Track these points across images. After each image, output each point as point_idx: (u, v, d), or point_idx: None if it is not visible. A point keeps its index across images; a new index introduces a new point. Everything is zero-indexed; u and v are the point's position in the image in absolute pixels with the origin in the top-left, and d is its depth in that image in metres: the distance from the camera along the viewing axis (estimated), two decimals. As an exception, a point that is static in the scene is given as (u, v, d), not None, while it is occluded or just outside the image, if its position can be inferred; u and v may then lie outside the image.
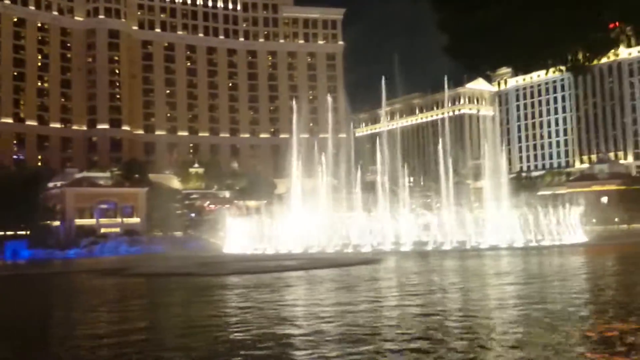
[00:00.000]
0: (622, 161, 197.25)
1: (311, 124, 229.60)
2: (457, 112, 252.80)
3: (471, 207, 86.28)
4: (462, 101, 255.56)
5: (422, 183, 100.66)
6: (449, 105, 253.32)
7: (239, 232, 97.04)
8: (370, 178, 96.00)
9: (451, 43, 21.76)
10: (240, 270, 57.72)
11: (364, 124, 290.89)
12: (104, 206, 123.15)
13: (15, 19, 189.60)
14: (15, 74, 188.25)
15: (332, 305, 31.10)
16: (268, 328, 24.83)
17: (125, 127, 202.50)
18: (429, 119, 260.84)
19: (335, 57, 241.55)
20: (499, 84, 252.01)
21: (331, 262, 62.41)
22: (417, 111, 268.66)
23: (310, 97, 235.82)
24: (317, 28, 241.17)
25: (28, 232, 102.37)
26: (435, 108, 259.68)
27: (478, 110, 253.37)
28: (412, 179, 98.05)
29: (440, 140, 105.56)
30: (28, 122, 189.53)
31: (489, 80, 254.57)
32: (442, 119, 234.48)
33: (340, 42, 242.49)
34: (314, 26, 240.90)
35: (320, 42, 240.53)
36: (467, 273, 48.43)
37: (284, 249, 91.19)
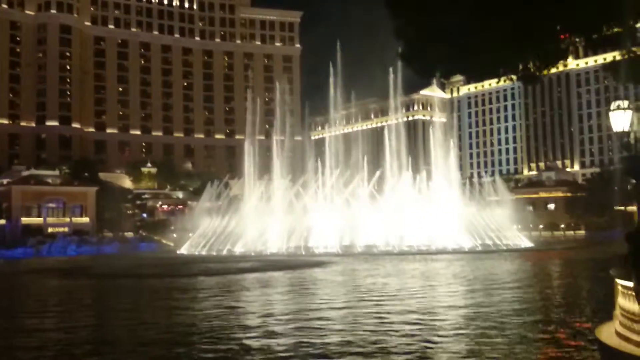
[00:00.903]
0: (568, 169, 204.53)
1: (267, 126, 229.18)
2: (411, 118, 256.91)
3: (422, 210, 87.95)
4: (416, 107, 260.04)
5: (375, 187, 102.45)
6: (404, 111, 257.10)
7: (192, 233, 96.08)
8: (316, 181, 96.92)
9: (406, 50, 22.26)
10: (194, 272, 57.23)
11: (320, 127, 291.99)
12: (51, 205, 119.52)
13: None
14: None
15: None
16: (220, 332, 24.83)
17: (76, 125, 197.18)
18: (384, 123, 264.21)
19: (292, 59, 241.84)
20: (451, 91, 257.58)
21: (285, 265, 62.62)
22: (372, 116, 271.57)
23: (267, 99, 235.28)
24: (275, 30, 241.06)
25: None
26: (389, 113, 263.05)
27: (431, 117, 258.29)
28: (366, 182, 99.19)
29: (390, 145, 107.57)
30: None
31: (443, 87, 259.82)
32: (395, 124, 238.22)
33: (298, 45, 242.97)
34: (271, 28, 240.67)
35: (278, 44, 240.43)
36: (407, 276, 49.40)
37: (237, 250, 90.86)
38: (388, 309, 29.25)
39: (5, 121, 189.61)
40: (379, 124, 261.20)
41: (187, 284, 47.40)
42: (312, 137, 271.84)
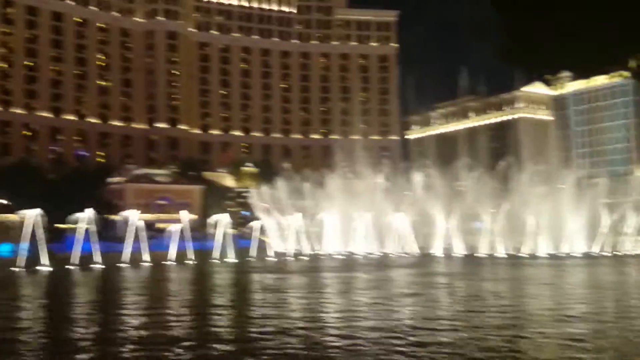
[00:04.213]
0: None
1: (363, 126, 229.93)
2: (512, 116, 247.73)
3: (531, 213, 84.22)
4: (518, 105, 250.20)
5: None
6: (504, 109, 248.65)
7: (291, 232, 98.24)
8: (424, 180, 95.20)
9: (512, 46, 21.87)
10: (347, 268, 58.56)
11: (417, 126, 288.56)
12: (161, 202, 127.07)
13: (78, 20, 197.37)
14: (78, 72, 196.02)
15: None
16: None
17: (183, 127, 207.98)
18: (484, 122, 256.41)
19: (388, 59, 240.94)
20: (557, 88, 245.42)
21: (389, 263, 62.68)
22: (471, 115, 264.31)
23: (362, 99, 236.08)
24: (371, 30, 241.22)
25: (91, 226, 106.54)
26: (489, 111, 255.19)
27: (535, 115, 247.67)
28: (465, 183, 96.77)
29: (495, 144, 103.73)
30: (90, 120, 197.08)
31: (547, 84, 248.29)
32: (497, 123, 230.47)
33: (394, 44, 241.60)
34: (367, 28, 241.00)
35: (373, 44, 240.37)
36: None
37: (334, 250, 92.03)
38: None
39: (119, 123, 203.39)
40: (479, 123, 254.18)
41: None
42: (409, 137, 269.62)
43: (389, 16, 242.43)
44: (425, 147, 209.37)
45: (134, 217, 75.69)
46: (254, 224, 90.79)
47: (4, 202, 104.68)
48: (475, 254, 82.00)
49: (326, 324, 27.51)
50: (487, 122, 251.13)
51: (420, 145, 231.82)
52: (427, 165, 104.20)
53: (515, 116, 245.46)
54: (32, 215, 70.64)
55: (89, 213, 71.81)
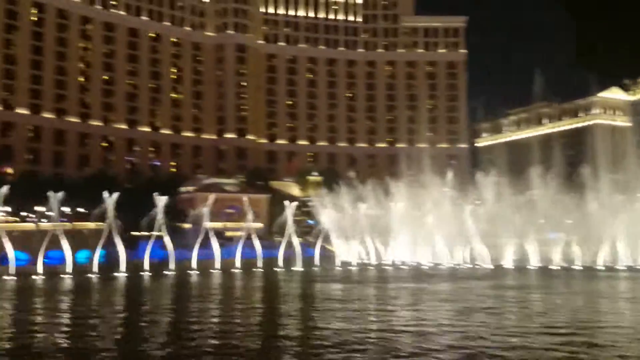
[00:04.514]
0: None
1: (430, 134, 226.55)
2: (588, 122, 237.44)
3: (608, 223, 79.83)
4: (594, 111, 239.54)
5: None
6: (579, 115, 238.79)
7: (356, 241, 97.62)
8: (495, 189, 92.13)
9: (589, 50, 20.59)
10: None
11: (486, 134, 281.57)
12: (230, 211, 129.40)
13: (152, 35, 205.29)
14: (152, 86, 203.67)
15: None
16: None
17: (250, 137, 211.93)
18: (558, 129, 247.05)
19: (456, 65, 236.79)
20: (635, 93, 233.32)
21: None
22: (544, 121, 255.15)
23: (430, 107, 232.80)
24: (438, 37, 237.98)
25: (164, 233, 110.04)
26: (564, 118, 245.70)
27: (612, 121, 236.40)
28: (538, 192, 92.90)
29: (570, 152, 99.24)
30: (163, 131, 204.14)
31: (625, 89, 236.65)
32: (572, 129, 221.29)
33: (462, 50, 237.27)
34: (435, 35, 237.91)
35: (441, 50, 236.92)
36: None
37: (401, 259, 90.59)
38: None
39: (190, 134, 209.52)
40: (553, 129, 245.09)
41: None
42: (478, 144, 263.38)
43: (457, 22, 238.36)
44: (495, 154, 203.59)
45: (206, 222, 77.46)
46: (319, 233, 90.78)
47: (83, 210, 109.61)
48: (549, 266, 78.58)
49: (398, 338, 26.82)
50: (561, 128, 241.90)
51: (491, 153, 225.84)
52: (498, 174, 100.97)
53: (591, 122, 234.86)
54: (108, 224, 73.39)
55: (162, 222, 73.95)
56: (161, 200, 76.45)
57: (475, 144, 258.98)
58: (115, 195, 74.26)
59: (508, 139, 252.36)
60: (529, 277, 64.97)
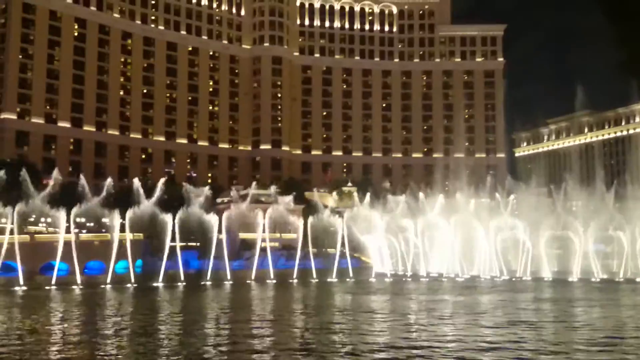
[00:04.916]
0: None
1: (467, 143, 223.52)
2: (631, 131, 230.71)
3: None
4: (636, 119, 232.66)
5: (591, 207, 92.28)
6: (621, 124, 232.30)
7: (391, 253, 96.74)
8: (535, 200, 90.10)
9: (632, 57, 19.97)
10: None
11: (525, 143, 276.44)
12: (267, 222, 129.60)
13: (190, 48, 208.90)
14: (190, 98, 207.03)
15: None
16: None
17: (285, 148, 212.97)
18: (598, 138, 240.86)
19: (494, 74, 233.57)
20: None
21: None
22: (585, 130, 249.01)
23: (467, 116, 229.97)
24: (475, 45, 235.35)
25: (198, 244, 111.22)
26: (605, 127, 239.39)
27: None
28: (579, 202, 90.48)
29: (612, 161, 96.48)
30: (200, 143, 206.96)
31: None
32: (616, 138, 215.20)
33: (500, 59, 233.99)
34: (472, 44, 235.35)
35: (479, 59, 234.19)
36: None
37: (437, 270, 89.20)
38: None
39: (226, 145, 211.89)
40: (593, 139, 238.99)
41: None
42: (517, 154, 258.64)
43: (495, 30, 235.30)
44: (535, 164, 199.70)
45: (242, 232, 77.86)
46: (354, 244, 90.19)
47: (123, 221, 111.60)
48: (591, 278, 76.16)
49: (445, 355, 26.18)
50: (602, 137, 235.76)
51: (530, 163, 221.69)
52: (538, 184, 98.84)
53: (633, 131, 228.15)
54: (145, 235, 74.40)
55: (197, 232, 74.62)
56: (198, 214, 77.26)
57: (514, 154, 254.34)
58: (152, 206, 75.34)
59: (547, 149, 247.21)
60: (570, 290, 63.01)
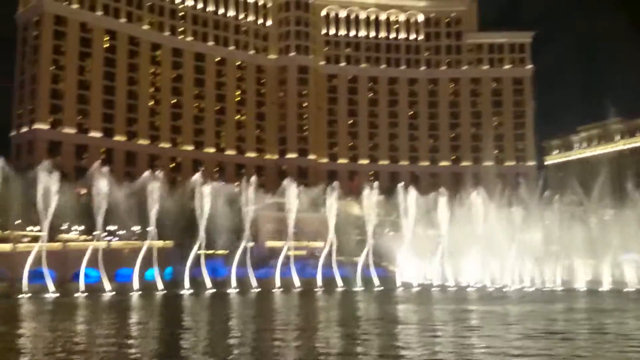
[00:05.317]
0: None
1: (496, 151, 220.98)
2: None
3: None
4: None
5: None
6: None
7: (418, 261, 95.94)
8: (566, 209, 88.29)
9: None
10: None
11: (555, 151, 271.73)
12: (292, 230, 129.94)
13: (218, 59, 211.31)
14: (217, 108, 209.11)
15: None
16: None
17: (311, 156, 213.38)
18: (630, 145, 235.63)
19: (522, 81, 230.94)
20: None
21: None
22: (617, 137, 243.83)
23: (495, 124, 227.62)
24: (503, 53, 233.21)
25: (226, 252, 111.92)
26: (637, 134, 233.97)
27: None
28: (612, 211, 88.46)
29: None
30: (228, 152, 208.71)
31: None
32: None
33: (529, 66, 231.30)
34: (500, 51, 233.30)
35: (507, 66, 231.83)
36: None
37: (466, 281, 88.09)
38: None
39: (253, 154, 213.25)
40: (625, 146, 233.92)
41: None
42: (548, 162, 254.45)
43: (524, 37, 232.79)
44: (566, 172, 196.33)
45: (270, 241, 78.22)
46: (381, 253, 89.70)
47: (153, 230, 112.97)
48: (623, 289, 74.28)
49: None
50: (634, 145, 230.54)
51: (561, 171, 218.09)
52: (569, 192, 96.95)
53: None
54: (174, 242, 75.20)
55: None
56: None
57: (544, 162, 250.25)
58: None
59: (578, 156, 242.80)
60: (602, 300, 61.56)
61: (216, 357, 27.76)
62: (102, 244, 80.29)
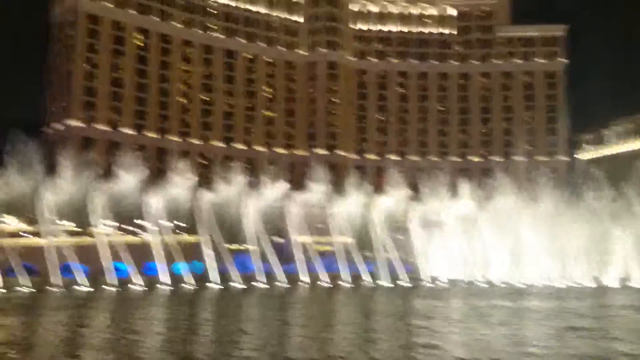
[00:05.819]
0: None
1: (527, 146, 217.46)
2: None
3: None
4: None
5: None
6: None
7: (448, 256, 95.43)
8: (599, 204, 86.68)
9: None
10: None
11: (588, 146, 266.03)
12: (319, 226, 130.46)
13: (248, 56, 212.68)
14: (247, 105, 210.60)
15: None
16: None
17: (340, 152, 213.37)
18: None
19: (555, 75, 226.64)
20: None
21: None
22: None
23: (527, 119, 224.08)
24: (536, 46, 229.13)
25: (255, 247, 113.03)
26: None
27: None
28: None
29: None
30: (257, 148, 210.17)
31: None
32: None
33: (562, 60, 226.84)
34: (532, 44, 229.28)
35: (539, 60, 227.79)
36: None
37: (495, 276, 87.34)
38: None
39: (283, 151, 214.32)
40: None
41: None
42: (580, 157, 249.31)
43: (556, 31, 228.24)
44: (599, 167, 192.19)
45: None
46: (409, 249, 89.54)
47: (183, 225, 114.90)
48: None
49: None
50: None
51: (594, 166, 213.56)
52: (602, 188, 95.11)
53: None
54: (205, 237, 76.41)
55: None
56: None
57: (577, 156, 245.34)
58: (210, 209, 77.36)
59: (612, 151, 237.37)
60: (635, 297, 60.40)
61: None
62: (134, 239, 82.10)
